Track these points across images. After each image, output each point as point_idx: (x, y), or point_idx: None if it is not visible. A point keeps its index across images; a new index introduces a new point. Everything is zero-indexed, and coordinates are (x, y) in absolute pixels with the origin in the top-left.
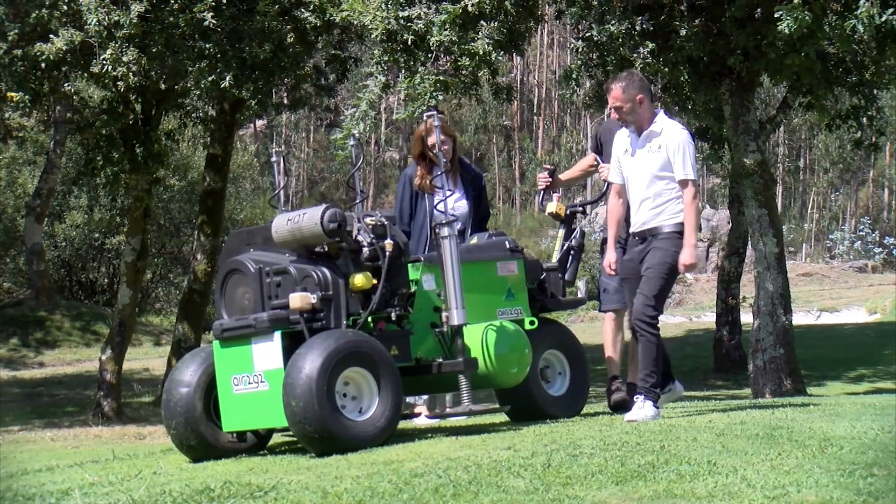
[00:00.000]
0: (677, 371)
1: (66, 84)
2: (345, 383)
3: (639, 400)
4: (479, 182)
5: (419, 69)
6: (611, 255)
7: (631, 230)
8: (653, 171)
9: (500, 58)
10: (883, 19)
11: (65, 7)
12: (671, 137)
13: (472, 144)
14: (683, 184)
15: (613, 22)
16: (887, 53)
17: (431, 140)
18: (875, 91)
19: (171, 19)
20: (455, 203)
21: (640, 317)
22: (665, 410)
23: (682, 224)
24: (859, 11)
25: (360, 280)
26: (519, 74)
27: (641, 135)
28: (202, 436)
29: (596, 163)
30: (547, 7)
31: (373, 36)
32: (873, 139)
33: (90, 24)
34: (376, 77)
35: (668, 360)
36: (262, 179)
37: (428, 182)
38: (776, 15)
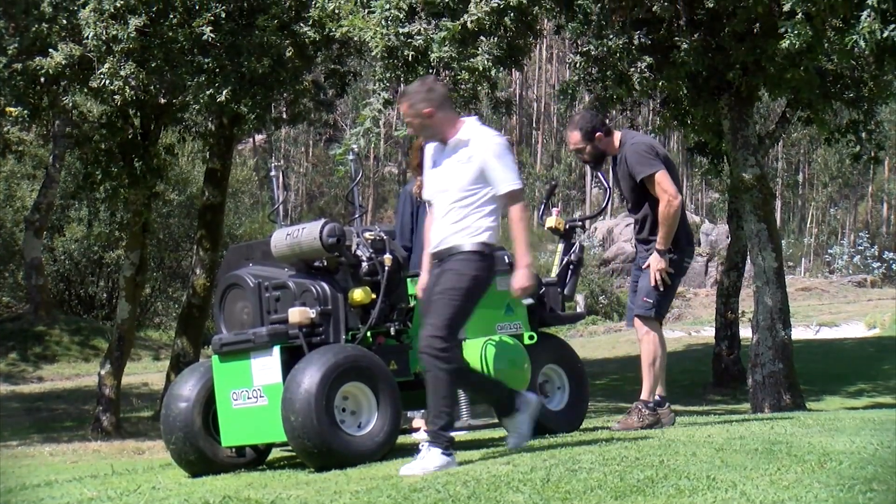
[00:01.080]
0: (677, 385)
1: (64, 98)
2: (344, 398)
3: (423, 448)
4: None
5: None
6: (423, 279)
7: (429, 250)
8: (460, 184)
9: (499, 73)
10: (884, 35)
11: (64, 21)
12: (483, 146)
13: None
14: (510, 197)
15: (611, 36)
16: (886, 69)
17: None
18: (874, 106)
19: (170, 34)
20: None
21: (427, 349)
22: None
23: (484, 244)
24: (860, 27)
25: (359, 295)
26: (518, 89)
27: (447, 146)
28: (201, 450)
29: None
30: (546, 22)
31: (373, 52)
32: (872, 153)
33: (89, 39)
34: (378, 94)
35: (500, 387)
36: (261, 194)
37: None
38: (781, 30)
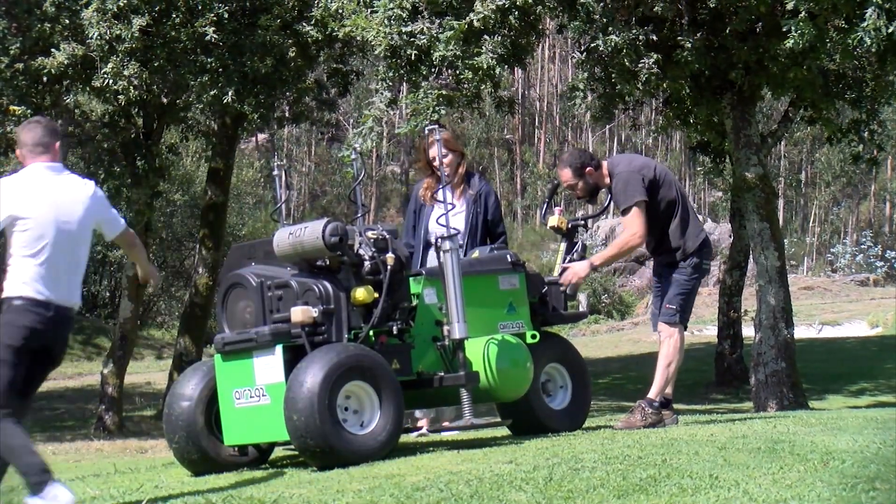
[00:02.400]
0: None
1: (67, 98)
2: (346, 397)
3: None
4: (486, 200)
5: (422, 84)
6: None
7: None
8: None
9: (502, 72)
10: (890, 30)
11: (66, 21)
12: None
13: (475, 158)
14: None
15: (617, 33)
16: (888, 68)
17: (432, 153)
18: (876, 106)
19: (173, 33)
20: (451, 218)
21: None
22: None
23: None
24: (865, 24)
25: (361, 294)
26: (520, 88)
27: None
28: (204, 449)
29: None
30: (549, 21)
31: (376, 52)
32: (874, 153)
33: (92, 38)
34: (381, 93)
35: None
36: (263, 193)
37: (430, 194)
38: (783, 29)
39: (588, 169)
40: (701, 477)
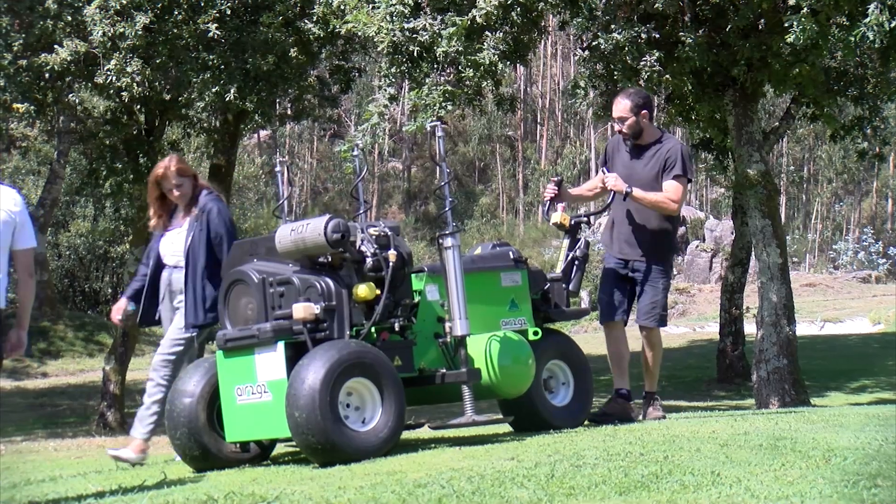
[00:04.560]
0: (681, 381)
1: (70, 94)
2: (348, 394)
3: None
4: (208, 216)
5: (426, 80)
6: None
7: None
8: None
9: (505, 69)
10: (892, 25)
11: (69, 18)
12: None
13: (476, 155)
14: None
15: (619, 30)
16: (891, 65)
17: (168, 184)
18: (879, 102)
19: (175, 31)
20: (174, 237)
21: None
22: (669, 420)
23: None
24: (868, 19)
25: (363, 290)
26: (522, 85)
27: None
28: (205, 446)
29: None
30: (551, 18)
31: (378, 48)
32: (877, 149)
33: (95, 36)
34: (384, 89)
35: None
36: (265, 190)
37: (161, 222)
38: (786, 24)
39: (644, 112)
40: (703, 474)
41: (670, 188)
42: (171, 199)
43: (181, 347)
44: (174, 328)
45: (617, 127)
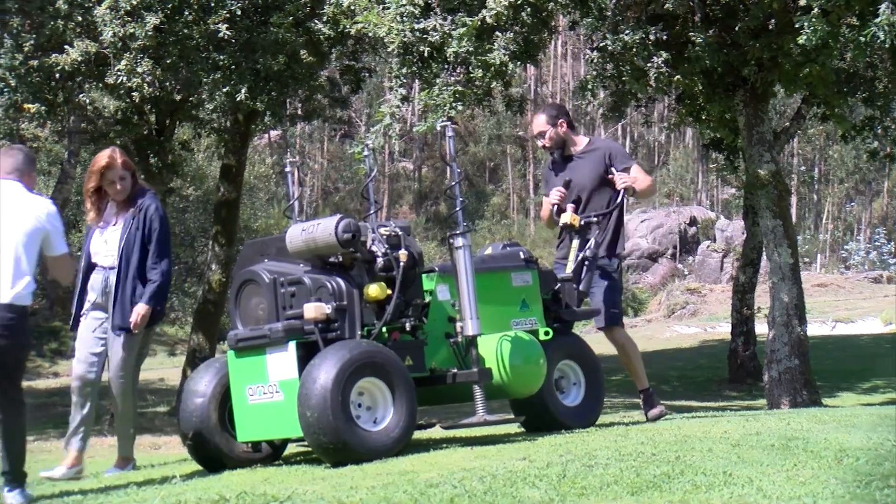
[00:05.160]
0: (692, 382)
1: (80, 95)
2: (359, 393)
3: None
4: (144, 214)
5: (436, 81)
6: None
7: None
8: None
9: (515, 69)
10: None
11: (79, 18)
12: None
13: (486, 155)
14: None
15: (627, 32)
16: None
17: (113, 175)
18: (890, 102)
19: (186, 31)
20: (109, 236)
21: None
22: (680, 421)
23: None
24: (879, 19)
25: (374, 290)
26: (532, 85)
27: None
28: (217, 446)
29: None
30: (561, 18)
31: (389, 49)
32: (888, 150)
33: (105, 36)
34: (395, 90)
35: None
36: (276, 190)
37: (98, 217)
38: (797, 24)
39: (561, 121)
40: (714, 474)
41: (637, 171)
42: (111, 192)
43: (128, 359)
44: (114, 341)
45: (540, 143)
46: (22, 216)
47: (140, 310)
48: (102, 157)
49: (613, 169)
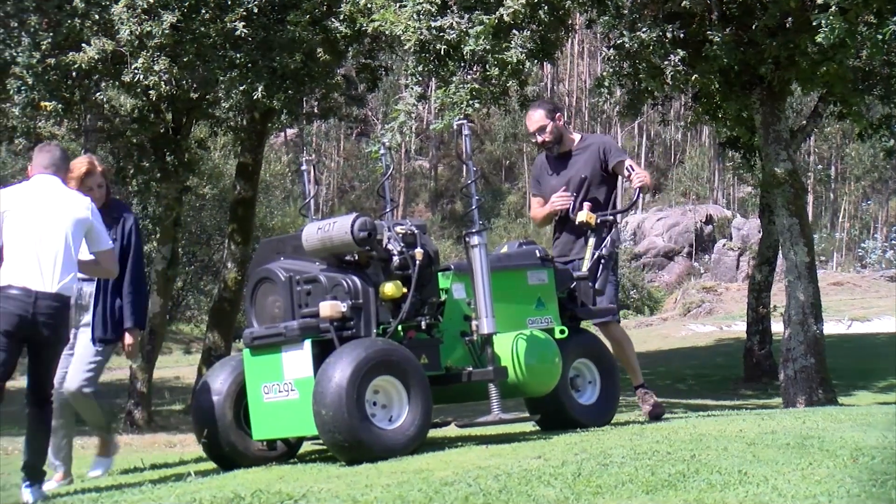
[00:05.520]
0: (708, 380)
1: (97, 93)
2: (374, 392)
3: None
4: (123, 226)
5: (453, 79)
6: None
7: None
8: None
9: (532, 67)
10: None
11: (96, 17)
12: None
13: (503, 153)
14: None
15: (645, 29)
16: None
17: (93, 181)
18: None
19: (203, 29)
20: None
21: None
22: (696, 419)
23: None
24: None
25: (390, 289)
26: (549, 83)
27: None
28: (232, 444)
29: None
30: (578, 16)
31: (405, 47)
32: None
33: (122, 34)
34: (411, 88)
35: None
36: (292, 188)
37: None
38: (814, 22)
39: (558, 115)
40: (730, 473)
41: (633, 165)
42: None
43: (97, 371)
44: (86, 350)
45: (540, 138)
46: (66, 209)
47: (136, 335)
48: (82, 164)
49: (609, 163)
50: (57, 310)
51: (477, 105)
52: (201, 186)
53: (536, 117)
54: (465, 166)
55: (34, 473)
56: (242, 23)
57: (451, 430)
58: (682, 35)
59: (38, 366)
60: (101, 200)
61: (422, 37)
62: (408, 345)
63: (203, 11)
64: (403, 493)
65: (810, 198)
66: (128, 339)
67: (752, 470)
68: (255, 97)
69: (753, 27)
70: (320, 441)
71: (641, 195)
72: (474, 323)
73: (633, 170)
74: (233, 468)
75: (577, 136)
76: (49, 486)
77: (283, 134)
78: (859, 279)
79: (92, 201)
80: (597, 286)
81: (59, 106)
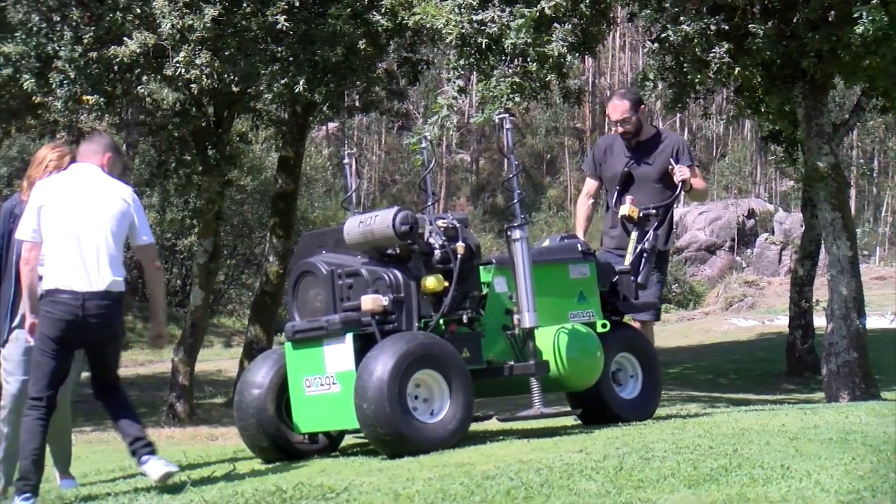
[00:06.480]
0: (750, 375)
1: (139, 87)
2: (416, 385)
3: None
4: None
5: (494, 72)
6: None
7: None
8: None
9: (573, 60)
10: None
11: (138, 10)
12: None
13: (544, 147)
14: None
15: (688, 23)
16: None
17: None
18: None
19: (244, 23)
20: None
21: None
22: (738, 413)
23: None
24: None
25: (431, 282)
26: (591, 77)
27: None
28: (274, 437)
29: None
30: (619, 9)
31: (446, 40)
32: None
33: (164, 28)
34: (452, 81)
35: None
36: (334, 181)
37: None
38: (856, 14)
39: (642, 107)
40: (772, 467)
41: (696, 172)
42: None
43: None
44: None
45: (621, 129)
46: (106, 200)
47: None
48: (67, 151)
49: (673, 162)
50: (108, 308)
51: (518, 99)
52: (242, 179)
53: (621, 107)
54: (506, 160)
55: (145, 445)
56: (284, 16)
57: (493, 424)
58: (725, 28)
59: (99, 363)
60: None
61: (463, 30)
62: (449, 338)
63: (244, 5)
64: (445, 487)
65: (853, 192)
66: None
67: (795, 465)
68: (296, 90)
69: (795, 20)
70: (362, 434)
71: (683, 190)
72: (516, 317)
73: (678, 169)
74: (274, 461)
75: (651, 129)
76: None
77: (324, 128)
78: None
79: None
80: (639, 280)
81: (101, 100)
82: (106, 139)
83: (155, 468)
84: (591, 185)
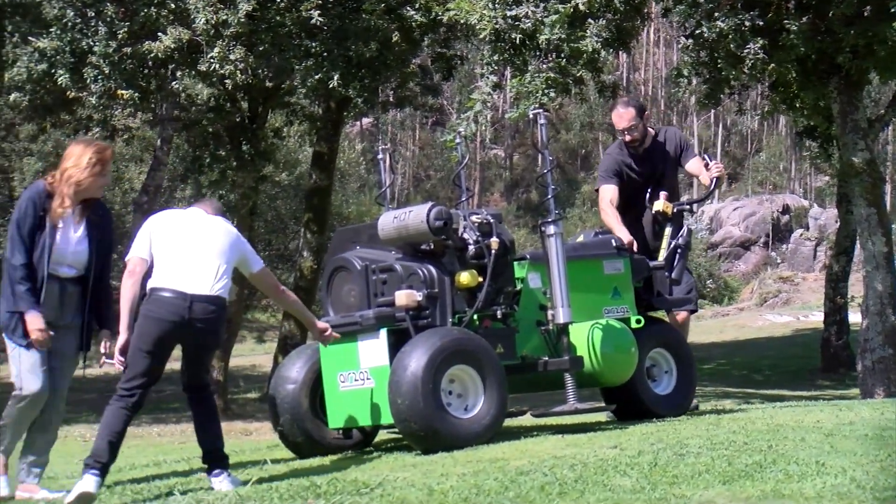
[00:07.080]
0: (785, 370)
1: (173, 82)
2: (450, 381)
3: None
4: (105, 228)
5: (528, 68)
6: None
7: None
8: None
9: (608, 56)
10: None
11: (172, 6)
12: None
13: (578, 143)
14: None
15: (723, 18)
16: None
17: (109, 168)
18: None
19: (278, 18)
20: (76, 246)
21: None
22: (773, 409)
23: None
24: None
25: (465, 278)
26: (625, 72)
27: None
28: (308, 432)
29: None
30: (654, 5)
31: (480, 36)
32: None
33: (198, 23)
34: (486, 77)
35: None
36: (368, 177)
37: (62, 211)
38: (891, 9)
39: (646, 114)
40: (807, 463)
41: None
42: (96, 187)
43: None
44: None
45: (628, 137)
46: (218, 231)
47: (124, 342)
48: (107, 148)
49: (683, 157)
50: (214, 312)
51: (552, 94)
52: (276, 174)
53: (627, 116)
54: (540, 155)
55: (217, 458)
56: (318, 11)
57: (527, 420)
58: (759, 24)
59: (193, 363)
60: (100, 192)
61: (497, 26)
62: (483, 334)
63: (279, 0)
64: (479, 482)
65: (888, 188)
66: (113, 344)
67: (830, 461)
68: (330, 86)
69: (830, 15)
70: (396, 430)
71: (717, 186)
72: (550, 312)
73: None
74: (309, 456)
75: (650, 132)
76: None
77: (358, 123)
78: None
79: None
80: (673, 275)
81: (136, 95)
82: (219, 204)
83: (221, 484)
84: (612, 191)
